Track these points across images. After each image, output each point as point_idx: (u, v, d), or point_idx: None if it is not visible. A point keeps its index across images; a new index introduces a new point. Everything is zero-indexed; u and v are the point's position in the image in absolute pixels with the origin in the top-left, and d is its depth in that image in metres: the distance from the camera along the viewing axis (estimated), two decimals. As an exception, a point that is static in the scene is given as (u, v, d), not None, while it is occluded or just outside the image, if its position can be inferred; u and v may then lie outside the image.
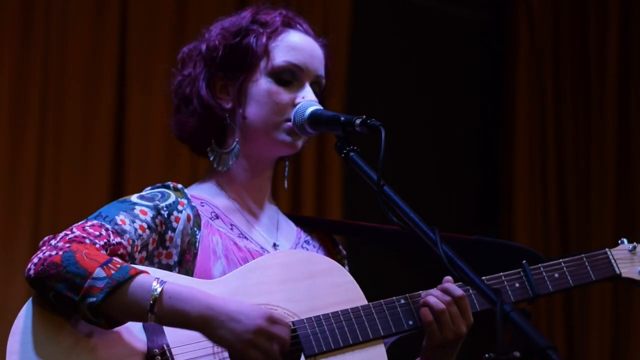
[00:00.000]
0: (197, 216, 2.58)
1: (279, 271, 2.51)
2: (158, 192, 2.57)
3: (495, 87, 5.97)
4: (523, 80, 5.83)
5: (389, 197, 2.36)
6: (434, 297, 2.51)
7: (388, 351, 2.54)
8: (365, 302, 2.53)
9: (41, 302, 2.34)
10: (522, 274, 2.63)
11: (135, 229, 2.46)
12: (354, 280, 2.56)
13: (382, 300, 2.53)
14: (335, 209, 5.21)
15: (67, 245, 2.32)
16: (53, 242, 2.35)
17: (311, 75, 2.66)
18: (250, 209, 2.69)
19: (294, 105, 2.61)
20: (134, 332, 2.37)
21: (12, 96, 4.58)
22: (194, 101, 2.66)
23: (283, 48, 2.65)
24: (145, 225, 2.48)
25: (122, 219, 2.45)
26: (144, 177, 4.73)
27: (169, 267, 2.53)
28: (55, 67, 4.67)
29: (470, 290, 2.56)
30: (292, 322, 2.45)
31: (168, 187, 2.59)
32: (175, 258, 2.53)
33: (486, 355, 2.05)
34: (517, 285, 2.61)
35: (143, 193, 2.57)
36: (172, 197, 2.56)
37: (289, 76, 2.64)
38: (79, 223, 2.42)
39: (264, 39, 2.64)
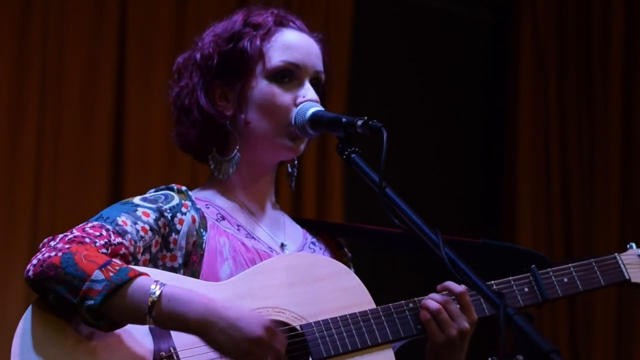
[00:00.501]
0: (203, 218, 2.56)
1: (286, 274, 2.48)
2: (161, 194, 2.55)
3: (498, 87, 5.95)
4: (526, 81, 5.82)
5: (390, 199, 2.33)
6: (430, 297, 2.50)
7: (396, 355, 2.52)
8: (373, 306, 2.51)
9: (43, 305, 2.31)
10: (531, 278, 2.61)
11: (137, 230, 2.43)
12: (362, 284, 2.54)
13: (390, 305, 2.51)
14: (336, 210, 5.20)
15: (66, 246, 2.30)
16: (53, 243, 2.33)
17: (310, 72, 2.62)
18: (255, 211, 2.67)
19: (296, 105, 2.58)
20: (140, 335, 2.34)
21: (10, 96, 4.56)
22: (194, 112, 2.63)
23: (278, 48, 2.61)
24: (147, 227, 2.46)
25: (123, 220, 2.43)
26: (143, 177, 4.72)
27: (173, 270, 2.50)
28: (53, 66, 4.65)
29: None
30: (300, 326, 2.43)
31: (172, 190, 2.57)
32: (180, 260, 2.51)
33: (489, 358, 2.04)
34: (526, 289, 2.60)
35: (146, 195, 2.55)
36: (176, 200, 2.54)
37: (287, 76, 2.60)
38: (80, 225, 2.40)
39: (258, 42, 2.60)
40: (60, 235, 2.35)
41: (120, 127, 4.78)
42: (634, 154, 5.85)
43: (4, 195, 4.52)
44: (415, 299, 2.52)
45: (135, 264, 2.42)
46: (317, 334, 2.42)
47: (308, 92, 2.60)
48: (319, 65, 2.65)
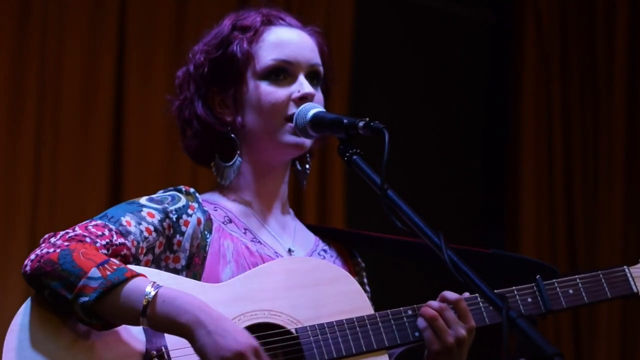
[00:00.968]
0: (209, 220, 2.56)
1: (284, 277, 2.48)
2: (168, 195, 2.56)
3: (501, 88, 5.93)
4: (529, 81, 5.79)
5: (392, 201, 2.30)
6: (427, 304, 2.48)
7: (395, 363, 2.50)
8: (371, 311, 2.50)
9: (40, 301, 2.33)
10: (535, 288, 2.59)
11: (141, 231, 2.44)
12: (361, 289, 2.54)
13: (388, 311, 2.50)
14: (337, 212, 5.18)
15: (65, 243, 2.32)
16: (53, 239, 2.35)
17: (303, 66, 2.61)
18: (264, 214, 2.67)
19: (292, 100, 2.58)
20: (133, 333, 2.35)
21: (8, 95, 4.55)
22: (193, 122, 2.64)
23: (267, 47, 2.61)
24: (151, 228, 2.46)
25: (127, 220, 2.44)
26: (143, 177, 4.72)
27: (176, 271, 2.51)
28: (52, 65, 4.64)
29: (481, 304, 2.52)
30: (295, 330, 2.42)
31: (180, 191, 2.58)
32: (183, 262, 2.52)
33: (492, 361, 2.03)
34: (529, 300, 2.57)
35: (153, 196, 2.56)
36: (183, 201, 2.54)
37: (280, 73, 2.60)
38: (83, 222, 2.42)
39: (245, 44, 2.61)
40: (62, 232, 2.37)
41: (119, 127, 4.76)
42: (638, 154, 5.82)
43: (2, 195, 4.52)
44: (415, 306, 2.51)
45: (137, 265, 2.43)
46: (311, 337, 2.42)
47: (302, 86, 2.59)
48: (314, 59, 2.64)
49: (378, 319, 2.47)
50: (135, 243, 2.42)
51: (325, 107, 2.63)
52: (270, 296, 2.44)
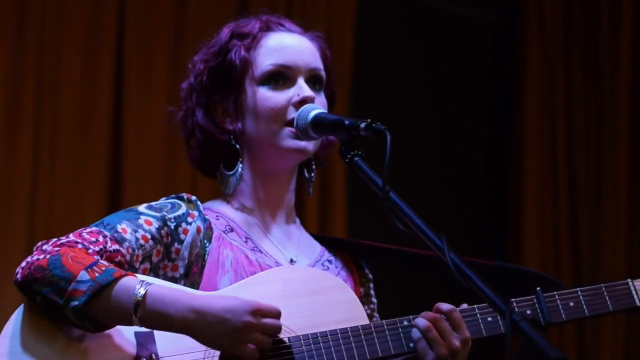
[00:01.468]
0: (209, 229, 2.55)
1: (280, 286, 2.47)
2: (168, 202, 2.55)
3: (504, 88, 5.89)
4: (533, 82, 5.75)
5: (394, 203, 2.27)
6: (421, 315, 2.45)
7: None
8: (366, 321, 2.47)
9: (32, 307, 2.34)
10: (535, 300, 2.54)
11: (137, 239, 2.43)
12: (357, 299, 2.52)
13: (384, 321, 2.48)
14: (339, 215, 5.15)
15: (55, 249, 2.32)
16: (45, 246, 2.35)
17: (303, 70, 2.60)
18: (267, 224, 2.65)
19: (292, 105, 2.56)
20: (125, 338, 2.35)
21: (6, 98, 4.55)
22: (196, 132, 2.64)
23: (264, 52, 2.60)
24: (148, 236, 2.45)
25: (123, 227, 2.43)
26: (142, 180, 4.71)
27: (174, 280, 2.49)
28: (50, 66, 4.62)
29: (478, 316, 2.49)
30: (288, 338, 2.40)
31: (181, 199, 2.57)
32: (182, 271, 2.51)
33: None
34: (528, 312, 2.52)
35: (152, 203, 2.55)
36: (183, 209, 2.53)
37: (280, 78, 2.59)
38: (78, 230, 2.41)
39: (243, 51, 2.60)
40: (54, 239, 2.37)
41: (118, 129, 4.75)
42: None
43: (1, 199, 4.50)
44: (411, 316, 2.48)
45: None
46: (304, 347, 2.40)
47: (302, 89, 2.57)
48: (315, 62, 2.63)
49: (372, 329, 2.45)
50: (130, 250, 2.42)
51: (331, 112, 2.61)
52: None
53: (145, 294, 2.25)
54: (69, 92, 4.66)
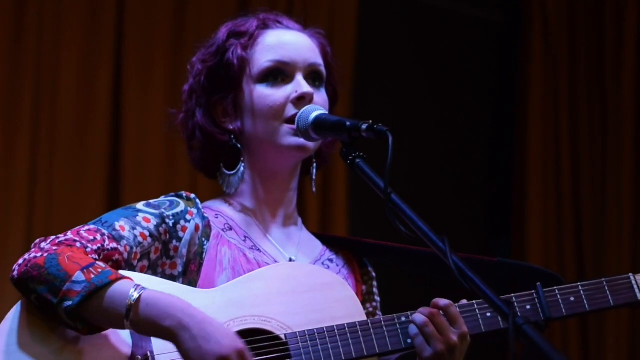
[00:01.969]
0: (207, 227, 2.55)
1: (278, 283, 2.46)
2: (167, 200, 2.55)
3: (508, 89, 5.88)
4: (537, 82, 5.73)
5: (396, 205, 2.26)
6: (419, 310, 2.44)
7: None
8: (364, 317, 2.46)
9: (29, 306, 2.34)
10: (534, 295, 2.53)
11: (135, 236, 2.43)
12: (355, 296, 2.51)
13: (381, 317, 2.47)
14: (340, 216, 5.14)
15: (53, 247, 2.32)
16: (43, 244, 2.36)
17: (301, 66, 2.59)
18: (267, 223, 2.64)
19: (291, 102, 2.55)
20: (121, 337, 2.34)
21: (4, 98, 4.54)
22: (196, 133, 2.63)
23: (262, 50, 2.59)
24: (146, 233, 2.45)
25: (121, 225, 2.43)
26: (141, 180, 4.70)
27: (172, 278, 2.49)
28: (48, 66, 4.61)
29: (477, 311, 2.48)
30: (285, 335, 2.39)
31: (180, 197, 2.57)
32: (180, 269, 2.50)
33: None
34: (528, 307, 2.51)
35: (151, 201, 2.54)
36: (181, 206, 2.53)
37: (278, 75, 2.58)
38: (76, 227, 2.41)
39: (240, 50, 2.59)
40: (52, 237, 2.37)
41: (117, 129, 4.74)
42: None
43: (-1, 201, 4.49)
44: (409, 312, 2.47)
45: (131, 271, 2.41)
46: (300, 344, 2.39)
47: (300, 85, 2.56)
48: (314, 58, 2.61)
49: (370, 325, 2.44)
50: (128, 248, 2.41)
51: (333, 110, 2.60)
52: (261, 302, 2.42)
53: (138, 298, 2.23)
54: (67, 92, 4.65)
